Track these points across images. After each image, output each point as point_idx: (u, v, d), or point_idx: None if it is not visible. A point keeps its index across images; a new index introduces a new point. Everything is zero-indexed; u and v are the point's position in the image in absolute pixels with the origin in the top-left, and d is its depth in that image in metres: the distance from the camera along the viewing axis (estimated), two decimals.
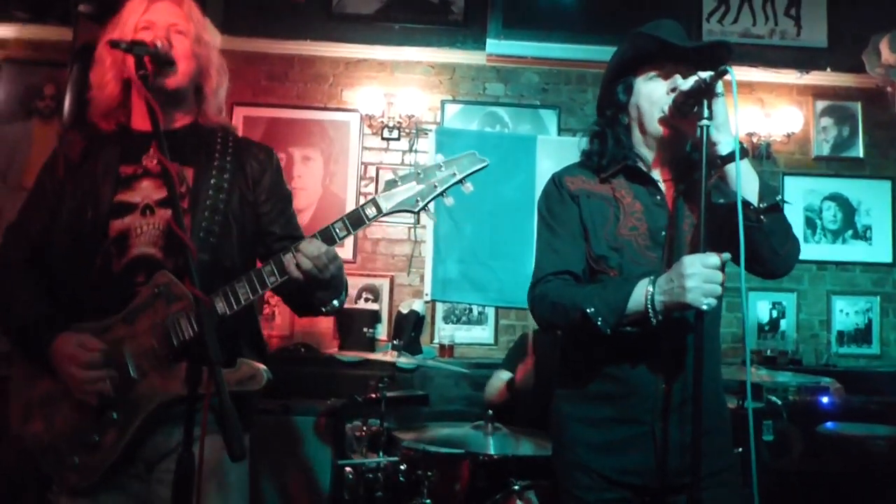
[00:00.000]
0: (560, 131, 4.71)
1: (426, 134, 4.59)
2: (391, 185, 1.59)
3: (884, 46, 4.51)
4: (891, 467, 3.40)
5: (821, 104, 4.88)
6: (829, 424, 3.46)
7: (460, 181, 1.58)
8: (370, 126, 4.64)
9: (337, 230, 1.59)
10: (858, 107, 4.88)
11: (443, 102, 4.73)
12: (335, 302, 1.75)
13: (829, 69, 4.86)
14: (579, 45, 4.59)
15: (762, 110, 4.75)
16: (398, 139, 4.64)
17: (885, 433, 3.51)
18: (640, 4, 4.25)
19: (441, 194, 1.58)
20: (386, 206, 1.58)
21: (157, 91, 1.60)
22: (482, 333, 4.54)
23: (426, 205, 1.58)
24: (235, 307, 1.59)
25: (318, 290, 1.65)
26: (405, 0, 4.81)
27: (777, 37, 4.94)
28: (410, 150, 4.66)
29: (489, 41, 4.61)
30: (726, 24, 4.92)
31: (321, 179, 4.62)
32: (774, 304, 4.66)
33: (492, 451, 2.69)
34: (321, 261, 1.56)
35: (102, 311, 1.63)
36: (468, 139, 4.54)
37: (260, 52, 4.69)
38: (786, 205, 1.64)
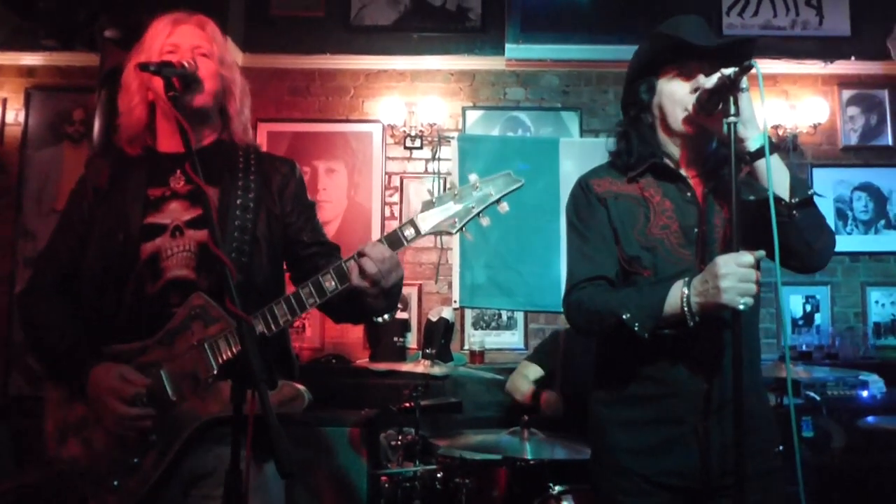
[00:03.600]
0: (582, 133, 4.71)
1: (448, 141, 4.60)
2: (428, 206, 1.58)
3: None
4: None
5: (847, 93, 4.81)
6: (869, 419, 3.39)
7: (496, 201, 1.57)
8: (392, 136, 4.67)
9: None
10: (885, 94, 4.82)
11: (464, 109, 4.75)
12: (388, 313, 1.73)
13: (853, 57, 4.80)
14: (598, 45, 4.58)
15: (787, 102, 4.70)
16: (421, 148, 4.67)
17: None
18: (658, 1, 4.23)
19: (478, 215, 1.57)
20: (424, 227, 1.57)
21: (183, 110, 1.61)
22: (512, 338, 4.53)
23: (464, 226, 1.57)
24: (274, 329, 1.59)
25: (376, 298, 1.60)
26: (422, 9, 4.85)
27: (799, 27, 4.88)
28: (433, 158, 4.68)
29: (508, 46, 4.62)
30: (746, 16, 4.87)
31: (346, 191, 4.66)
32: (808, 298, 4.60)
33: (528, 456, 2.68)
34: (386, 265, 1.53)
35: (137, 335, 1.64)
36: (490, 145, 4.54)
37: (281, 67, 4.76)
38: (818, 198, 1.62)
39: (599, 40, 4.56)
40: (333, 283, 1.57)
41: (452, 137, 4.58)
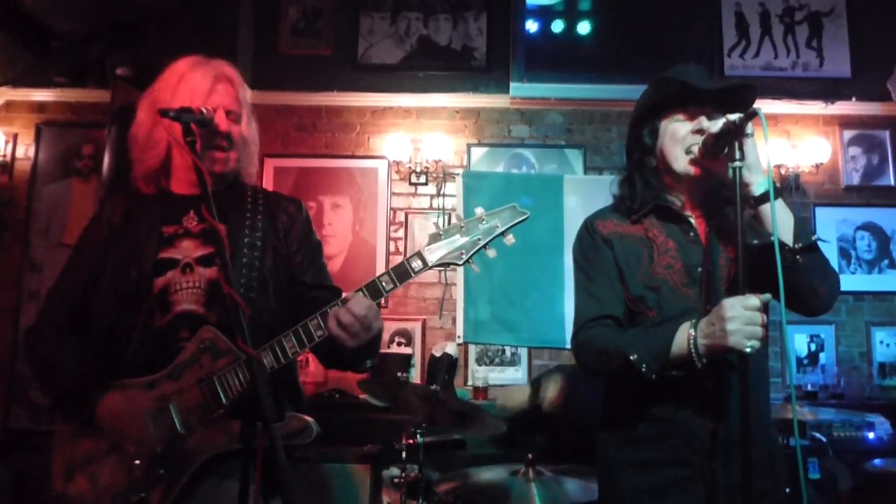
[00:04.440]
0: (586, 170, 4.75)
1: (453, 178, 4.65)
2: (435, 238, 1.61)
3: None
4: None
5: (848, 133, 4.86)
6: (876, 461, 3.36)
7: (502, 233, 1.60)
8: (398, 172, 4.72)
9: (384, 283, 1.60)
10: (886, 135, 4.86)
11: (468, 146, 4.81)
12: (368, 362, 1.76)
13: (854, 98, 4.85)
14: (601, 84, 4.64)
15: (789, 142, 4.75)
16: (426, 184, 4.71)
17: None
18: (660, 43, 4.31)
19: (484, 247, 1.60)
20: (431, 259, 1.60)
21: (210, 174, 1.63)
22: (516, 374, 4.52)
23: (470, 258, 1.60)
24: (283, 361, 1.61)
25: (355, 348, 1.62)
26: (428, 49, 4.93)
27: (800, 69, 4.95)
28: (438, 195, 4.72)
29: (512, 84, 4.69)
30: (748, 58, 4.94)
31: (351, 226, 4.69)
32: (812, 338, 4.59)
33: (536, 500, 2.64)
34: (367, 319, 1.56)
35: (147, 368, 1.66)
36: (495, 181, 4.59)
37: (288, 104, 4.83)
38: (821, 242, 1.64)
39: (602, 80, 4.62)
40: (322, 332, 1.60)
41: (457, 174, 4.62)
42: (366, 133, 4.84)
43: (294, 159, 4.78)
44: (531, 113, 4.87)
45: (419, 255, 1.61)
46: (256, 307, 1.71)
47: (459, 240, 1.60)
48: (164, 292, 1.69)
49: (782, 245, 1.55)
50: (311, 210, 3.99)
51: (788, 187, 4.67)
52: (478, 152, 4.81)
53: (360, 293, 1.59)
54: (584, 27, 4.59)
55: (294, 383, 1.85)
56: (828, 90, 4.87)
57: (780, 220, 1.58)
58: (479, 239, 1.60)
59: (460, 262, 1.60)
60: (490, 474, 2.93)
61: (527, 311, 4.44)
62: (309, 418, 1.65)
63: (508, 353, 4.54)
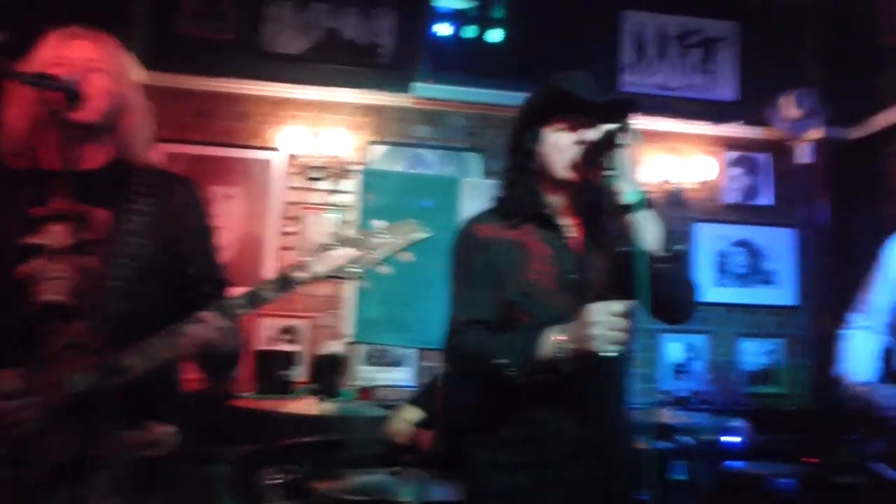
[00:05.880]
0: (485, 174, 4.79)
1: (352, 174, 4.59)
2: (326, 248, 1.53)
3: (788, 103, 4.81)
4: None
5: (731, 154, 5.14)
6: (736, 463, 3.55)
7: (399, 251, 1.54)
8: (295, 165, 4.61)
9: (263, 294, 1.52)
10: (766, 158, 5.16)
11: (369, 143, 4.75)
12: (224, 374, 1.69)
13: (739, 122, 5.12)
14: (504, 90, 4.70)
15: (676, 158, 4.97)
16: (322, 179, 4.62)
17: (789, 470, 3.63)
18: (566, 55, 4.40)
19: (378, 264, 1.53)
20: (317, 270, 1.52)
21: (66, 126, 1.52)
22: (403, 375, 4.51)
23: (361, 274, 1.53)
24: (150, 365, 1.49)
25: (205, 367, 1.57)
26: (334, 42, 4.86)
27: (691, 90, 5.20)
28: (336, 191, 4.65)
29: (416, 84, 4.68)
30: (643, 76, 5.14)
31: (242, 218, 4.55)
32: (687, 346, 4.82)
33: (408, 498, 2.64)
34: (214, 344, 1.49)
35: (6, 362, 1.51)
36: (394, 180, 4.55)
37: (184, 88, 4.63)
38: (687, 254, 1.71)
39: (506, 85, 4.67)
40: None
41: (356, 171, 4.57)
42: (264, 123, 4.70)
43: (187, 146, 4.57)
44: (434, 114, 4.87)
45: (304, 266, 1.53)
46: (134, 301, 1.59)
47: (352, 253, 1.53)
48: (30, 282, 1.54)
49: (649, 254, 1.60)
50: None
51: (674, 202, 4.88)
52: (378, 150, 4.77)
53: (218, 312, 1.50)
54: (495, 35, 4.64)
55: (168, 387, 1.71)
56: (716, 112, 5.13)
57: (649, 230, 1.63)
58: (373, 255, 1.53)
59: (349, 278, 1.53)
60: (369, 476, 2.90)
61: (419, 312, 4.43)
62: (171, 428, 1.56)
63: (397, 354, 4.52)
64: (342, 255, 1.52)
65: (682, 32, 5.25)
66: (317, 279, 1.53)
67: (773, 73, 5.06)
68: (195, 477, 3.31)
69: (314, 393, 3.18)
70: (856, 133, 4.91)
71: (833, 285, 4.69)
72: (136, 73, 4.35)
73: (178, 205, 1.73)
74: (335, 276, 1.53)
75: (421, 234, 1.55)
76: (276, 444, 3.09)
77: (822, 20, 5.15)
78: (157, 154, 4.58)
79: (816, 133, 4.96)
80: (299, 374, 4.35)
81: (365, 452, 3.90)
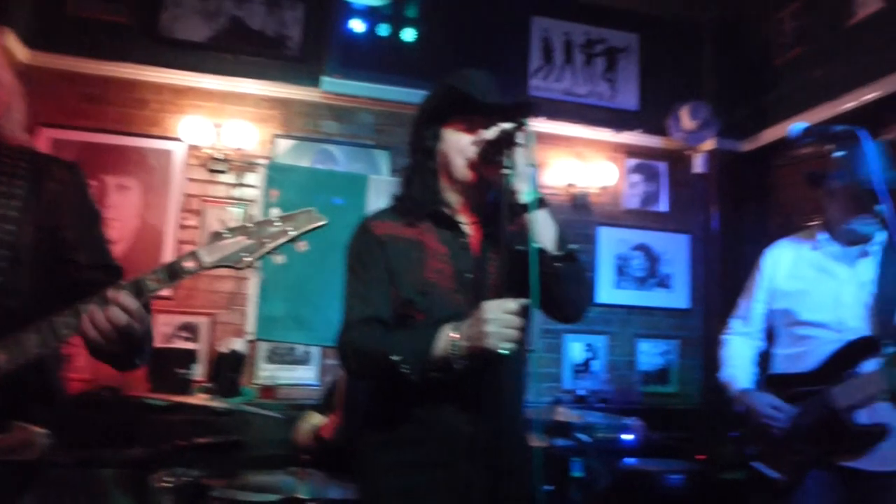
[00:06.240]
0: (392, 172, 4.77)
1: (256, 168, 4.47)
2: (217, 237, 1.47)
3: (684, 115, 5.03)
4: (686, 500, 3.67)
5: (631, 161, 5.32)
6: (631, 460, 3.68)
7: (293, 239, 1.49)
8: (195, 157, 4.44)
9: (149, 283, 1.44)
10: (664, 166, 5.38)
11: (275, 137, 4.64)
12: (137, 361, 1.59)
13: (639, 130, 5.31)
14: (414, 89, 4.69)
15: (581, 163, 5.10)
16: (225, 172, 4.48)
17: (680, 467, 3.80)
18: (477, 57, 4.42)
19: (270, 252, 1.48)
20: (207, 260, 1.46)
21: None
22: (306, 374, 4.42)
23: (252, 262, 1.47)
24: (22, 361, 1.40)
25: (116, 351, 1.45)
26: (239, 30, 4.71)
27: (595, 98, 5.35)
28: (238, 184, 4.51)
29: (324, 79, 4.60)
30: (550, 81, 5.25)
31: (138, 210, 4.34)
32: (588, 346, 4.95)
33: (305, 496, 2.59)
34: (128, 325, 1.40)
35: None
36: (300, 175, 4.48)
37: (74, 70, 4.35)
38: (580, 254, 1.74)
39: (416, 84, 4.66)
40: (70, 331, 1.41)
41: (261, 164, 4.45)
42: (163, 112, 4.50)
43: (77, 132, 4.32)
44: (342, 110, 4.80)
45: (194, 254, 1.46)
46: (4, 292, 1.48)
47: (244, 241, 1.47)
48: None
49: (543, 253, 1.62)
50: (94, 190, 3.63)
51: (578, 204, 5.01)
52: (284, 144, 4.65)
53: (125, 291, 1.41)
54: (408, 34, 4.62)
55: (43, 385, 1.59)
56: (617, 120, 5.30)
57: (544, 229, 1.65)
58: (265, 242, 1.48)
59: (240, 266, 1.47)
60: (265, 476, 2.84)
61: (322, 309, 4.37)
62: (39, 430, 1.45)
63: (300, 352, 4.43)
64: (233, 243, 1.47)
65: (588, 41, 5.40)
66: (207, 268, 1.47)
67: (671, 86, 5.27)
68: (76, 482, 3.12)
69: (213, 392, 3.05)
70: (747, 146, 5.18)
71: (723, 290, 4.94)
72: (16, 51, 4.08)
73: (55, 187, 1.61)
74: (227, 266, 1.47)
75: (317, 223, 1.50)
76: (170, 446, 2.96)
77: (717, 39, 5.42)
78: (42, 139, 4.32)
79: (710, 144, 5.21)
80: (198, 372, 4.19)
81: (264, 453, 3.80)
